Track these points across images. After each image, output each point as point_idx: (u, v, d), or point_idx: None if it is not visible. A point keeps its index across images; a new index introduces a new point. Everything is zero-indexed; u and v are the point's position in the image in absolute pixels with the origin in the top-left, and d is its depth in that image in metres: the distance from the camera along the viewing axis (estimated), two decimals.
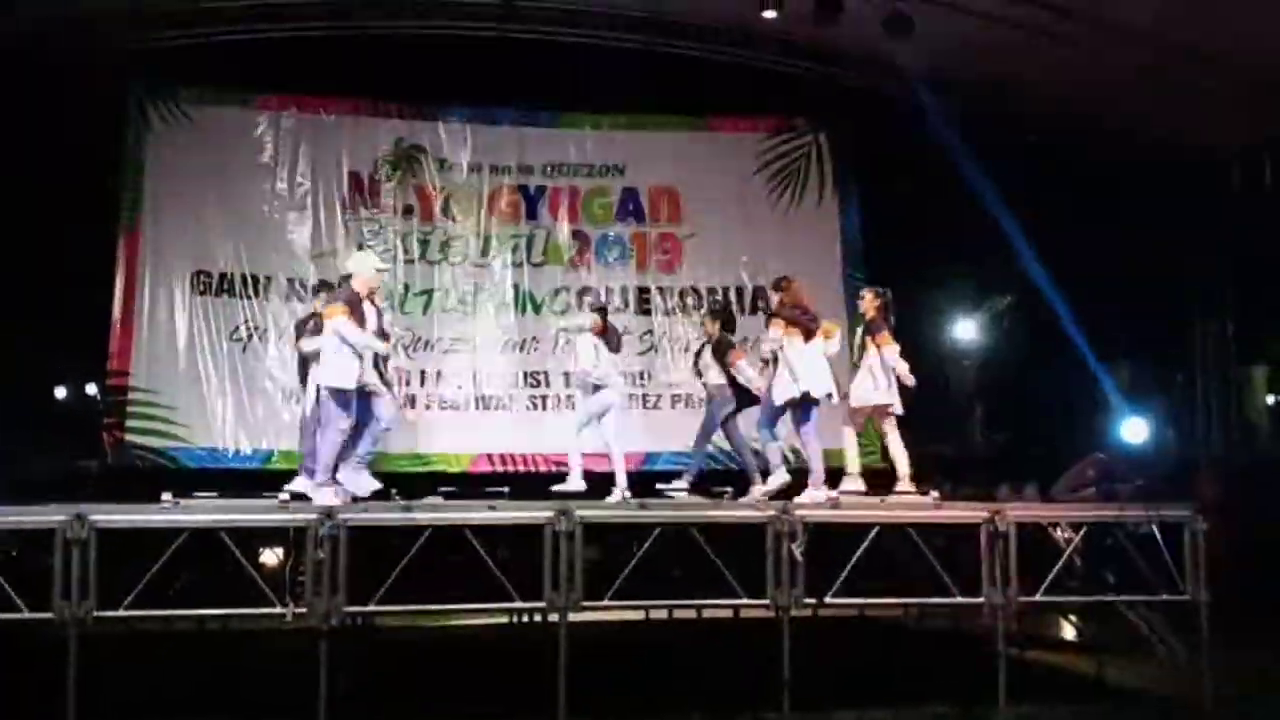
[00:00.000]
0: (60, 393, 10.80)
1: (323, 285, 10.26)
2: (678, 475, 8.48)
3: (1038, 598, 6.78)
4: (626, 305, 11.35)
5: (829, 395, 7.49)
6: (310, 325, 7.94)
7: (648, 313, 11.38)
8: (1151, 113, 10.59)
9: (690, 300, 11.43)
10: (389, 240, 11.17)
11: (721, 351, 8.09)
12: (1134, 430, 11.38)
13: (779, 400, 7.41)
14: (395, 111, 11.39)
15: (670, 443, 10.61)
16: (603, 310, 8.33)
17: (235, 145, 10.96)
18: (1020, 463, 10.50)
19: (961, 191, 10.54)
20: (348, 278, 7.32)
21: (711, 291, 11.45)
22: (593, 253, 11.46)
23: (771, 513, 6.62)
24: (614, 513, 6.96)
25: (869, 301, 7.94)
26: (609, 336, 7.97)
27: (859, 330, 7.98)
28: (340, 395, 7.03)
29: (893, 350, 7.71)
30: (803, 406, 7.46)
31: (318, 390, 7.43)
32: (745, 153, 11.69)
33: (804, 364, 7.39)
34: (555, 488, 7.71)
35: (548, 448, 10.43)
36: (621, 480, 7.75)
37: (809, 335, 7.49)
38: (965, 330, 12.89)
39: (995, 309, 12.69)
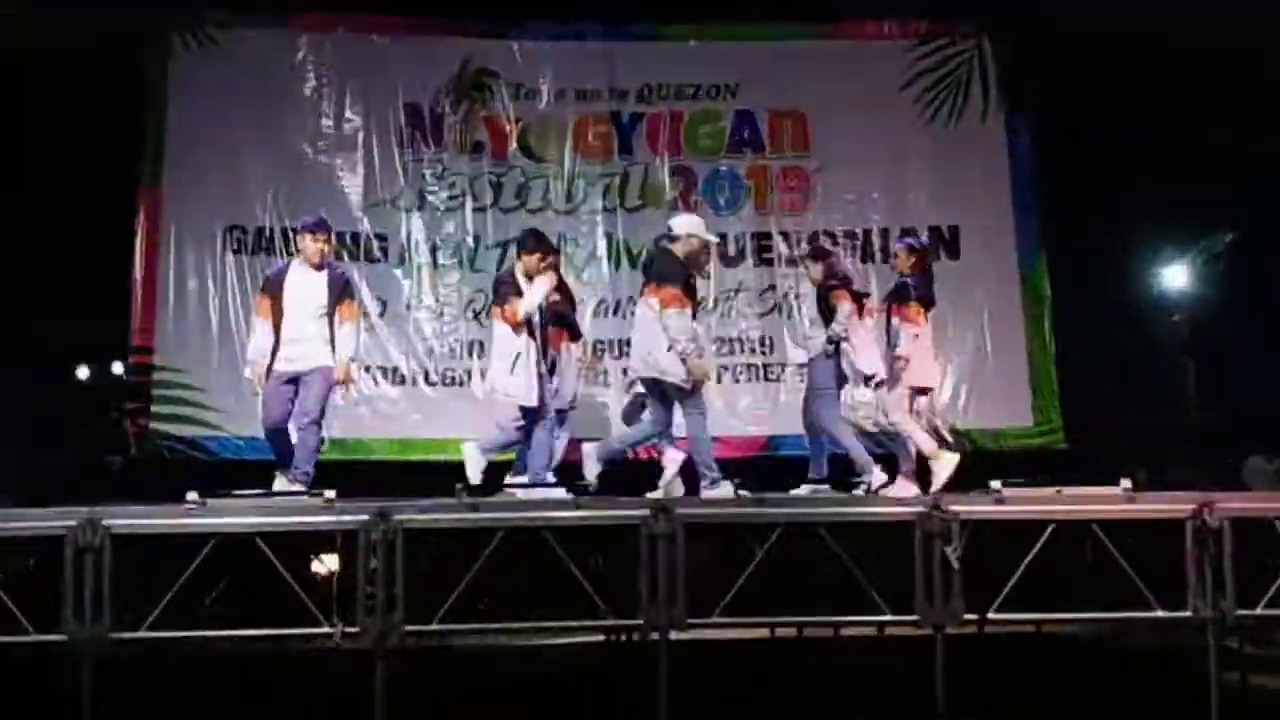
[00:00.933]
0: (79, 375, 11.09)
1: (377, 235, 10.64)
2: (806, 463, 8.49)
3: (1260, 610, 6.52)
4: (742, 256, 11.25)
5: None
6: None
7: (769, 263, 11.26)
8: None
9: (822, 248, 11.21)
10: (455, 184, 11.26)
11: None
12: None
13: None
14: (460, 29, 11.43)
15: (797, 423, 10.49)
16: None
17: (272, 76, 11.12)
18: (1242, 440, 10.15)
19: (1164, 104, 10.14)
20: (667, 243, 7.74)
21: (850, 236, 11.28)
22: (699, 192, 11.37)
23: (920, 509, 6.51)
24: (724, 510, 6.89)
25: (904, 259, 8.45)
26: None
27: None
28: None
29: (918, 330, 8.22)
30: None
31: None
32: (888, 64, 11.46)
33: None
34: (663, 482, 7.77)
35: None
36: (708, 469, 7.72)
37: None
38: (1172, 276, 12.43)
39: (1211, 249, 12.19)
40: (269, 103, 11.11)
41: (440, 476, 8.13)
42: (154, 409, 10.64)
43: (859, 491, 7.89)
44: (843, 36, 11.56)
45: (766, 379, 11.14)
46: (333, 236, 8.09)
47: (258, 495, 7.10)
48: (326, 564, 7.50)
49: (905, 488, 8.12)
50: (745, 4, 11.22)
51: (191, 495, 6.93)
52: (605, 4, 11.22)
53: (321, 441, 7.93)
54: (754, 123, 11.44)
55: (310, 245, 7.77)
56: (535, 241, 8.32)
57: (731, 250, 11.18)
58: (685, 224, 7.92)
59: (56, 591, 6.39)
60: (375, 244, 11.17)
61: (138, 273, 10.78)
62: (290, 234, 10.56)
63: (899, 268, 8.64)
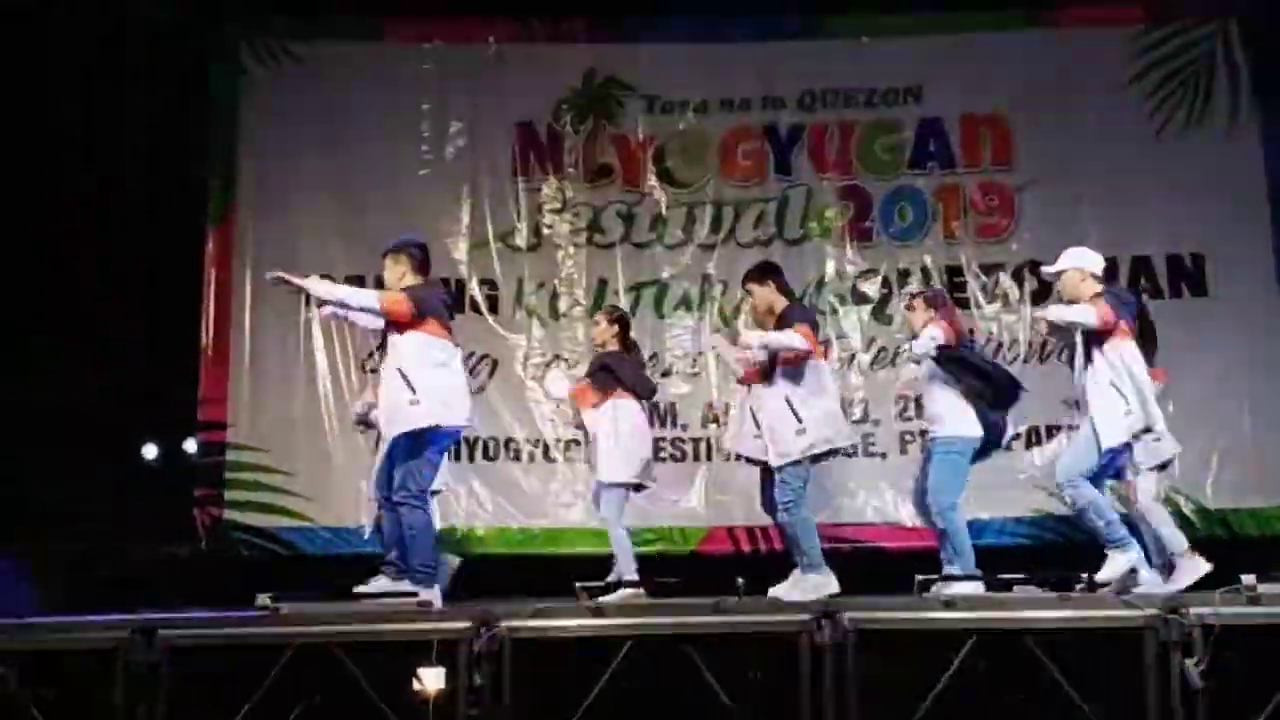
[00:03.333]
0: (140, 454, 11.44)
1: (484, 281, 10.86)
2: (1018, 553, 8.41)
3: None
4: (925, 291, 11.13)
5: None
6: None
7: (963, 304, 11.10)
8: None
9: (1030, 284, 11.10)
10: (579, 216, 11.43)
11: None
12: None
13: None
14: (583, 33, 11.66)
15: (1006, 504, 10.44)
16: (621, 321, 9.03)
17: (360, 95, 11.43)
18: None
19: None
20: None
21: None
22: (876, 217, 11.34)
23: (1154, 612, 6.38)
24: (904, 615, 6.82)
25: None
26: None
27: None
28: None
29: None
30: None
31: None
32: (1110, 57, 11.34)
33: None
34: None
35: (832, 515, 10.46)
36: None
37: None
38: None
39: None
40: (356, 127, 11.42)
41: (557, 572, 8.22)
42: (227, 495, 10.92)
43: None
44: (1050, 24, 11.46)
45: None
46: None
47: (342, 598, 7.23)
48: (423, 679, 7.65)
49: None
50: None
51: (262, 598, 7.12)
52: None
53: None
54: (942, 132, 11.40)
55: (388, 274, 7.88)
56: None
57: (915, 287, 10.97)
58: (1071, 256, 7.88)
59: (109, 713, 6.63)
60: (483, 291, 11.35)
61: (206, 331, 11.12)
62: (381, 283, 10.71)
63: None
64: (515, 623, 6.58)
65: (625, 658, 6.53)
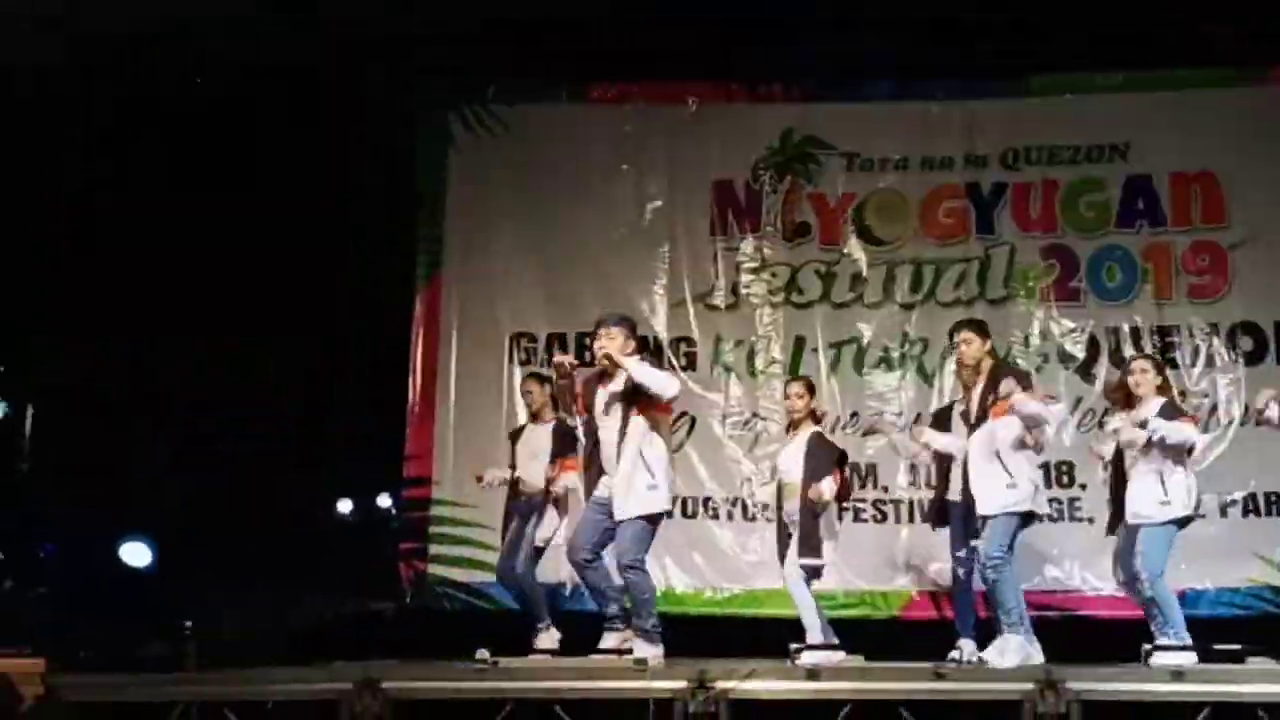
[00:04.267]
0: (344, 509, 11.70)
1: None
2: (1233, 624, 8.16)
3: None
4: (1138, 353, 10.87)
5: None
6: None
7: (1175, 365, 10.83)
8: None
9: (1245, 343, 10.87)
10: (776, 275, 11.45)
11: None
12: None
13: None
14: (781, 93, 11.69)
15: (1221, 573, 10.19)
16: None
17: (563, 158, 11.67)
18: None
19: None
20: None
21: None
22: (1082, 276, 11.17)
23: None
24: (1132, 686, 6.69)
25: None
26: None
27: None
28: None
29: None
30: None
31: None
32: None
33: None
34: None
35: (1040, 581, 10.34)
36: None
37: None
38: None
39: None
40: (557, 188, 11.63)
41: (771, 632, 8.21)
42: (432, 550, 11.10)
43: None
44: (1262, 82, 11.21)
45: None
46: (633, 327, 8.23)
47: (559, 655, 7.32)
48: None
49: None
50: (1141, 46, 10.99)
51: (482, 653, 7.24)
52: (956, 56, 11.18)
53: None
54: (1150, 189, 11.18)
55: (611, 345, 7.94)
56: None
57: (1129, 349, 10.79)
58: None
59: None
60: (680, 349, 11.41)
61: (414, 389, 11.37)
62: (583, 339, 10.71)
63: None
64: (731, 684, 6.58)
65: None
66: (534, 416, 9.80)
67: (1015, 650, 7.75)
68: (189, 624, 9.74)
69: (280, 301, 10.80)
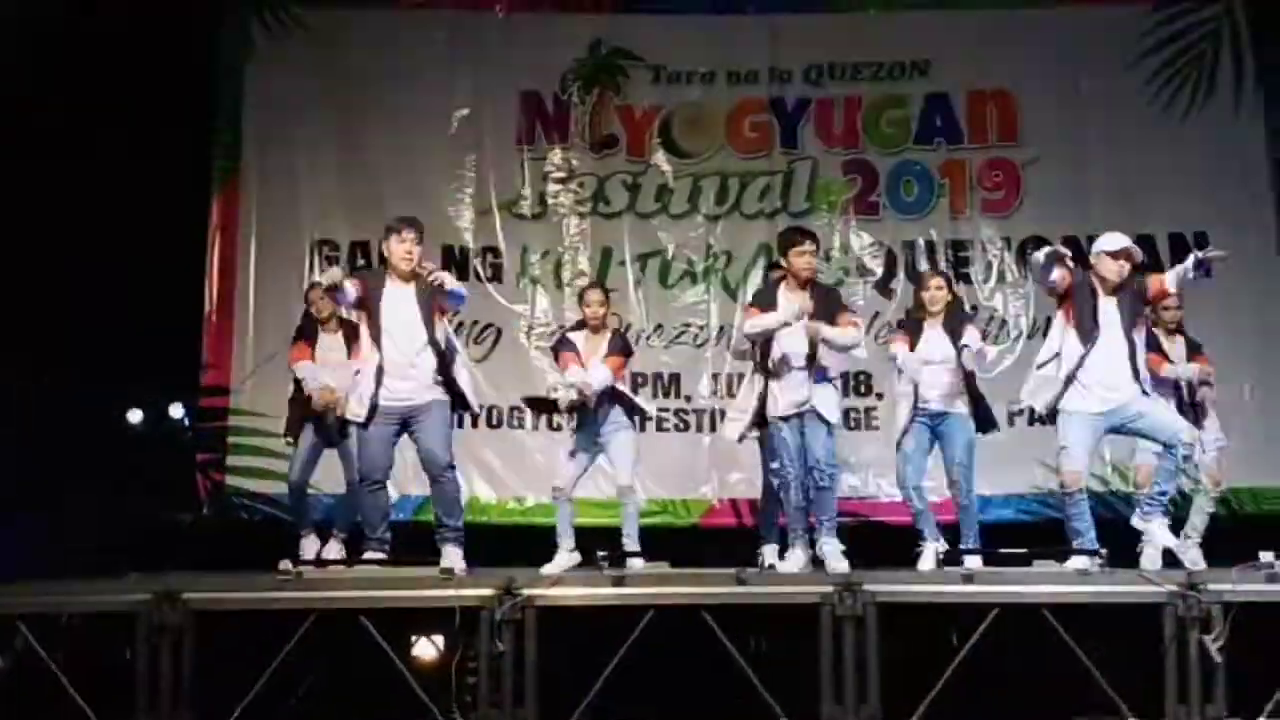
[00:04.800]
0: (136, 418, 11.42)
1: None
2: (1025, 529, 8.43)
3: None
4: (933, 268, 11.08)
5: None
6: None
7: (967, 279, 11.16)
8: None
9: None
10: (584, 186, 11.47)
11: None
12: None
13: None
14: (590, 2, 11.67)
15: (1009, 480, 10.53)
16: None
17: (368, 63, 11.45)
18: None
19: None
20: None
21: (1070, 242, 10.95)
22: (881, 191, 11.39)
23: (1173, 589, 6.49)
24: (924, 588, 6.90)
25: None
26: None
27: None
28: None
29: None
30: None
31: None
32: (1116, 36, 11.35)
33: None
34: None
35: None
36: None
37: None
38: None
39: None
40: (364, 93, 11.45)
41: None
42: (230, 460, 10.98)
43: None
44: (1059, 2, 11.46)
45: None
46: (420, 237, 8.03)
47: (366, 563, 7.27)
48: (438, 646, 7.73)
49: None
50: None
51: (284, 564, 7.17)
52: None
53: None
54: (949, 107, 11.42)
55: (397, 248, 7.85)
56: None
57: (924, 263, 11.06)
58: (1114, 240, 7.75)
59: (126, 676, 6.67)
60: (486, 259, 11.39)
61: (210, 297, 11.17)
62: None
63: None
64: (537, 591, 6.63)
65: (646, 628, 6.60)
66: (322, 324, 9.48)
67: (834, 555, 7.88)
68: None
69: (75, 208, 10.41)
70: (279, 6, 11.43)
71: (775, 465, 8.14)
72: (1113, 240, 7.64)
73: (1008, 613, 6.62)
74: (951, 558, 7.72)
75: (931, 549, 8.13)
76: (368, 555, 7.53)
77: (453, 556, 7.43)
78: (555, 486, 8.48)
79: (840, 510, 8.40)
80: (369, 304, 7.71)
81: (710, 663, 6.79)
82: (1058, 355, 7.61)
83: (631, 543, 8.22)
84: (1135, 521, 7.60)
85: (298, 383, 9.25)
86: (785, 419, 7.98)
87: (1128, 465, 9.48)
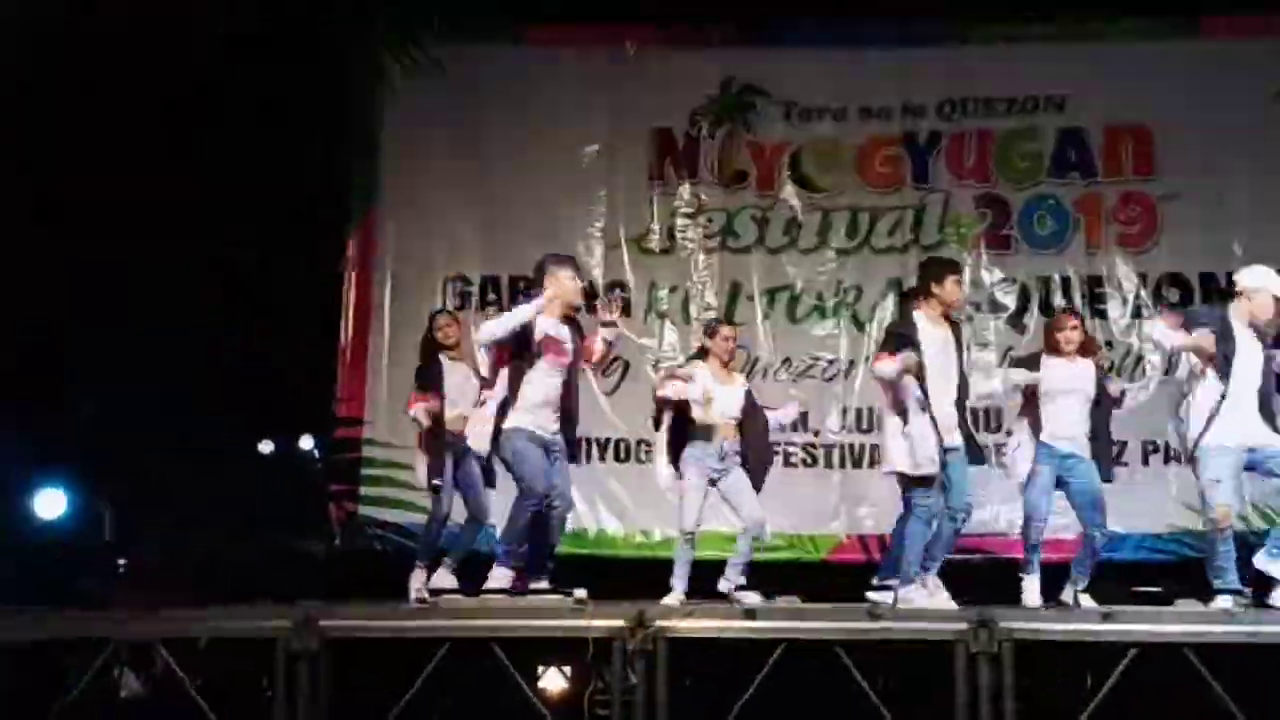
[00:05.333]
0: (269, 450, 11.60)
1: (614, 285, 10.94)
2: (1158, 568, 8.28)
3: None
4: (1068, 302, 10.97)
5: None
6: None
7: (1102, 315, 11.05)
8: None
9: (1172, 294, 10.99)
10: (711, 222, 11.49)
11: None
12: None
13: None
14: (720, 39, 11.70)
15: (1144, 519, 10.37)
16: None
17: (499, 99, 11.56)
18: None
19: None
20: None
21: (1207, 280, 10.92)
22: (1014, 226, 11.29)
23: None
24: (1064, 626, 6.79)
25: None
26: None
27: None
28: None
29: None
30: None
31: None
32: (1259, 69, 11.13)
33: None
34: None
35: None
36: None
37: None
38: None
39: None
40: (495, 131, 11.57)
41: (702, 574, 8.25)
42: (362, 491, 11.11)
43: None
44: (1202, 34, 11.29)
45: None
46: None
47: (498, 593, 7.31)
48: (566, 676, 7.76)
49: None
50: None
51: (418, 589, 7.24)
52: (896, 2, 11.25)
53: None
54: (1084, 141, 11.29)
55: (569, 285, 7.99)
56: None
57: (1059, 299, 10.96)
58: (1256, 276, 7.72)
59: (261, 702, 6.77)
60: (616, 295, 11.37)
61: (345, 332, 11.34)
62: (517, 283, 10.85)
63: None
64: (669, 623, 6.63)
65: (777, 662, 6.57)
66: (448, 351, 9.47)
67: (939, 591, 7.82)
68: (122, 562, 9.72)
69: (213, 241, 10.67)
70: (415, 45, 11.59)
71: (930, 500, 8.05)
72: (1255, 276, 7.53)
73: (1147, 652, 6.49)
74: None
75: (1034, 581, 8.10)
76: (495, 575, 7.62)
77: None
78: (686, 530, 8.39)
79: (971, 547, 8.32)
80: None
81: (838, 699, 6.74)
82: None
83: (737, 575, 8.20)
84: (1258, 560, 7.42)
85: (430, 428, 9.21)
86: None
87: (1269, 505, 9.26)
